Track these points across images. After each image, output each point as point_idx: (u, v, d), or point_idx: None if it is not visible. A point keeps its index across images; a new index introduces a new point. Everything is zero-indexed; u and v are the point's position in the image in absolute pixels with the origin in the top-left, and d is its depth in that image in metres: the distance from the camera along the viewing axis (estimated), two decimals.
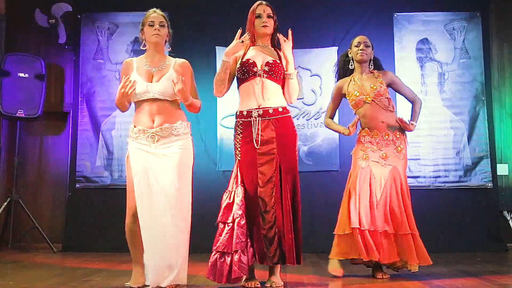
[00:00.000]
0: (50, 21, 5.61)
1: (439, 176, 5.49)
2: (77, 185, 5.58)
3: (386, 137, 3.62)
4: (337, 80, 3.89)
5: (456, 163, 5.50)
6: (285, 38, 3.24)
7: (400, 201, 3.52)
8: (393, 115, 3.70)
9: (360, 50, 3.68)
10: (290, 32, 3.26)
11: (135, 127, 3.14)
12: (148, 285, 2.99)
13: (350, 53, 3.77)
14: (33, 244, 5.40)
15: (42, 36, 5.76)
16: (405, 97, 3.82)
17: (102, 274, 3.77)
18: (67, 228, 5.54)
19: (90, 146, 5.62)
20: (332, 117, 3.91)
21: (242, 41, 3.20)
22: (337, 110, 3.96)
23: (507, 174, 5.57)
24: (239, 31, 3.23)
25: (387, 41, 5.62)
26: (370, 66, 3.75)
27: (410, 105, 5.49)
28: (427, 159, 5.52)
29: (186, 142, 3.15)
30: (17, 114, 5.31)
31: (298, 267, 3.25)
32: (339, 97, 3.83)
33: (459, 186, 5.48)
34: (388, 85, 3.73)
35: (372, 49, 3.75)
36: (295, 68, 3.32)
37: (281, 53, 3.29)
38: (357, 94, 3.65)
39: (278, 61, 3.28)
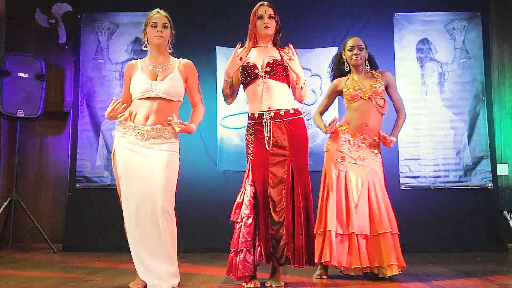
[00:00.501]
0: (50, 21, 5.61)
1: (439, 176, 5.49)
2: (77, 185, 5.58)
3: (364, 141, 3.63)
4: (332, 80, 3.89)
5: (456, 163, 5.50)
6: (290, 56, 3.21)
7: (380, 202, 3.51)
8: (380, 120, 3.69)
9: (354, 55, 3.67)
10: (291, 46, 3.23)
11: (125, 121, 3.12)
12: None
13: (344, 55, 3.76)
14: (33, 244, 5.40)
15: (42, 36, 5.76)
16: (393, 103, 3.80)
17: (102, 274, 3.77)
18: (67, 228, 5.54)
19: (90, 146, 5.62)
20: (322, 113, 3.90)
21: (241, 58, 3.21)
22: (329, 107, 3.93)
23: (507, 174, 5.56)
24: (238, 46, 3.21)
25: (387, 41, 5.62)
26: (366, 66, 3.75)
27: (409, 104, 5.57)
28: (427, 159, 5.52)
29: (173, 146, 3.14)
30: (17, 114, 5.31)
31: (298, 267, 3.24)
32: (334, 94, 3.82)
33: (459, 186, 5.48)
34: (385, 86, 3.74)
35: (366, 49, 3.73)
36: (305, 81, 3.30)
37: (282, 53, 3.28)
38: (356, 88, 3.66)
39: (279, 60, 3.28)
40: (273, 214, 3.14)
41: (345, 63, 3.75)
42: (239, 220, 3.14)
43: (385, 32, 5.64)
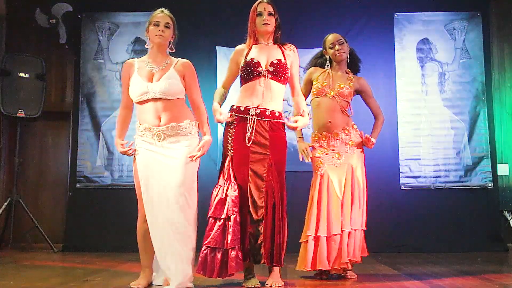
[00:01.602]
0: (50, 21, 5.61)
1: (439, 176, 5.49)
2: (78, 185, 5.58)
3: (336, 136, 3.61)
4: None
5: (456, 163, 5.50)
6: (292, 127, 3.24)
7: (354, 198, 3.53)
8: (344, 119, 3.65)
9: (337, 50, 3.66)
10: (286, 122, 3.27)
11: (140, 124, 3.13)
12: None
13: (327, 54, 3.74)
14: (34, 244, 5.39)
15: (42, 36, 5.77)
16: (370, 109, 3.80)
17: (102, 274, 3.77)
18: (67, 228, 5.54)
19: (90, 146, 5.63)
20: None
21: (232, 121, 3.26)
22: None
23: (507, 174, 5.56)
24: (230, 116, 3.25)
25: (387, 41, 5.62)
26: (347, 60, 3.72)
27: (409, 104, 5.58)
28: (428, 159, 5.51)
29: (193, 142, 3.11)
30: (17, 114, 5.31)
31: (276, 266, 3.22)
32: (309, 83, 3.77)
33: (459, 186, 5.48)
34: (357, 92, 3.73)
35: (347, 42, 3.72)
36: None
37: (285, 52, 3.31)
38: (325, 84, 3.65)
39: (284, 60, 3.28)
40: (252, 211, 3.14)
41: (327, 61, 3.72)
42: (223, 217, 3.10)
43: (385, 32, 5.64)
